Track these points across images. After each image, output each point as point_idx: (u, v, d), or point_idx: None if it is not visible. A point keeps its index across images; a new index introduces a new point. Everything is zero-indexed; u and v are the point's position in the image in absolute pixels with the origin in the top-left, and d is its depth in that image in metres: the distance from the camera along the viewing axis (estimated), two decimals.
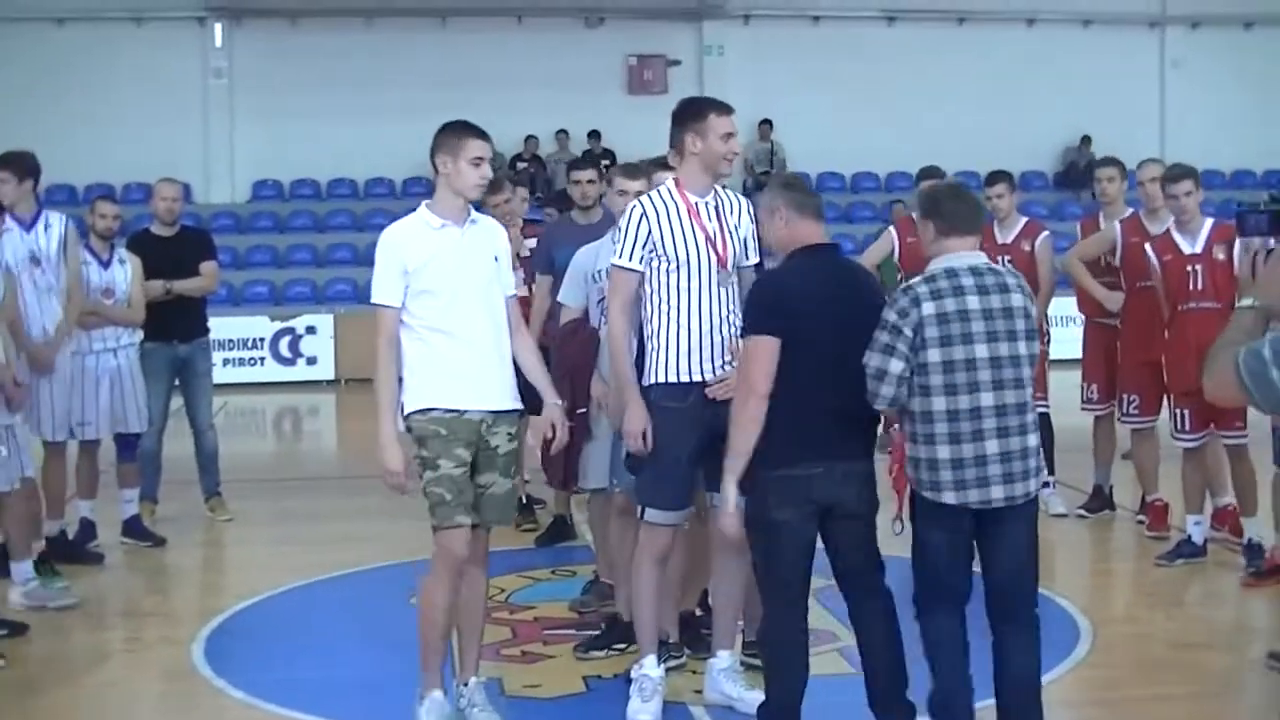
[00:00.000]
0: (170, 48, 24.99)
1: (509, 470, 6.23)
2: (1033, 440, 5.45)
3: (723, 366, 6.14)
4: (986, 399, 5.34)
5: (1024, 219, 10.44)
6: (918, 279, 5.47)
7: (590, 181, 9.01)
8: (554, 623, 7.83)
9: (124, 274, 9.77)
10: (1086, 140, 25.94)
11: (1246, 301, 3.77)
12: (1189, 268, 8.64)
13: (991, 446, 5.34)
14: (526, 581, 8.80)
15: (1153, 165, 9.78)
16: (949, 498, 5.38)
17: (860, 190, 26.31)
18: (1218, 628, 8.03)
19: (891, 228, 11.27)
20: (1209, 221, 8.84)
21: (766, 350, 5.53)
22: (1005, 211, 10.23)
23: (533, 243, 9.67)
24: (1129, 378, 9.58)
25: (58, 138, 20.59)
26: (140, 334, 9.98)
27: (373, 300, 6.05)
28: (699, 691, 6.59)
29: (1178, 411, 8.88)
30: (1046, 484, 10.34)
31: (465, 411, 6.01)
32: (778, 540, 5.61)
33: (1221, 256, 8.64)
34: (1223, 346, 3.68)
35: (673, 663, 6.73)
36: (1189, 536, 8.95)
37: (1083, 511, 10.27)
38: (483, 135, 6.24)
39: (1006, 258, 10.13)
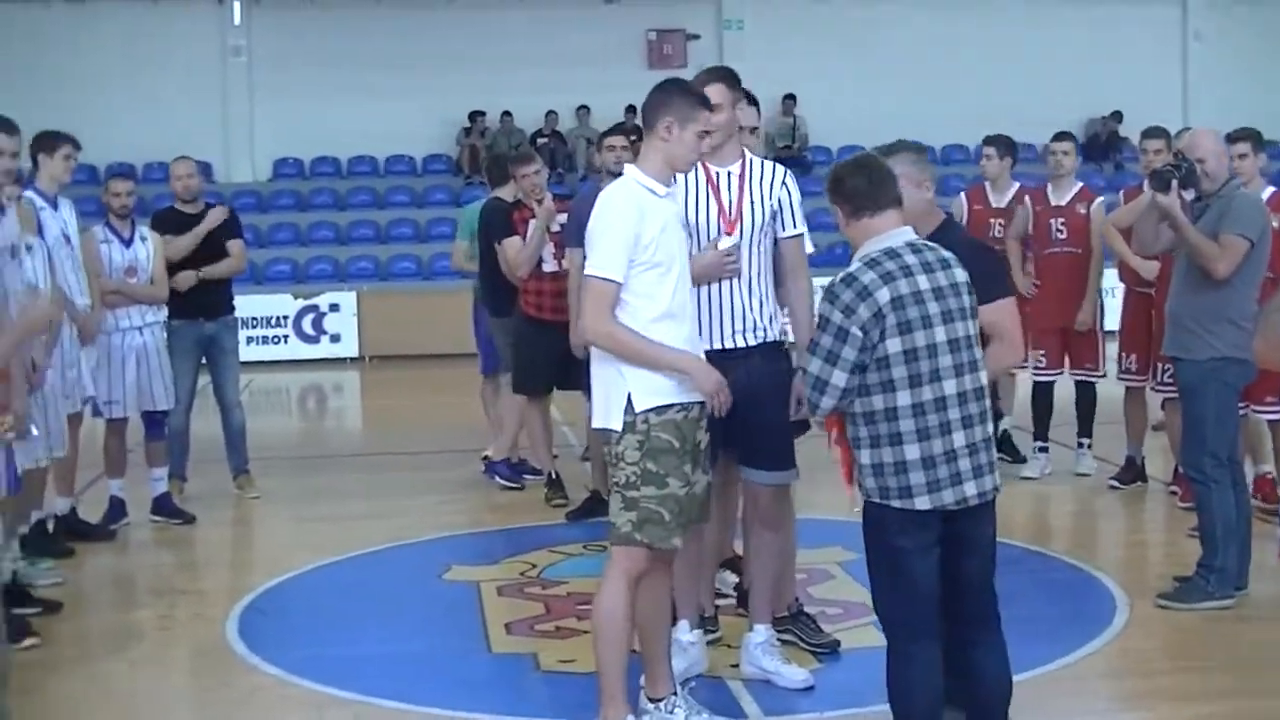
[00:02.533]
0: (189, 26, 24.94)
1: (708, 465, 5.75)
2: (991, 428, 5.05)
3: (734, 335, 6.13)
4: (950, 387, 4.89)
5: (1079, 183, 10.65)
6: (856, 265, 4.97)
7: (624, 148, 8.95)
8: (587, 598, 7.73)
9: (146, 251, 9.74)
10: (1117, 115, 25.78)
11: None
12: None
13: (959, 439, 4.89)
14: (559, 557, 8.77)
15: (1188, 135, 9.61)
16: (923, 503, 4.87)
17: None
18: (1253, 599, 7.95)
19: (962, 195, 11.40)
20: (1270, 189, 8.72)
21: None
22: (1068, 169, 10.54)
23: (563, 217, 9.63)
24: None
25: (78, 118, 20.36)
26: (165, 311, 9.94)
27: (595, 273, 5.39)
28: (735, 665, 6.56)
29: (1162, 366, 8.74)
30: (1080, 444, 10.56)
31: (692, 407, 5.52)
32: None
33: (1276, 225, 8.39)
34: (1274, 310, 3.62)
35: (709, 636, 6.70)
36: None
37: (1115, 483, 10.23)
38: (709, 106, 5.70)
39: (1060, 220, 10.28)
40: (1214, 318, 7.37)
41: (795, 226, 6.33)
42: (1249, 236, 7.37)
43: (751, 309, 6.22)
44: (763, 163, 6.37)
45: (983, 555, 5.08)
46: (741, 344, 6.19)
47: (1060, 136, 10.79)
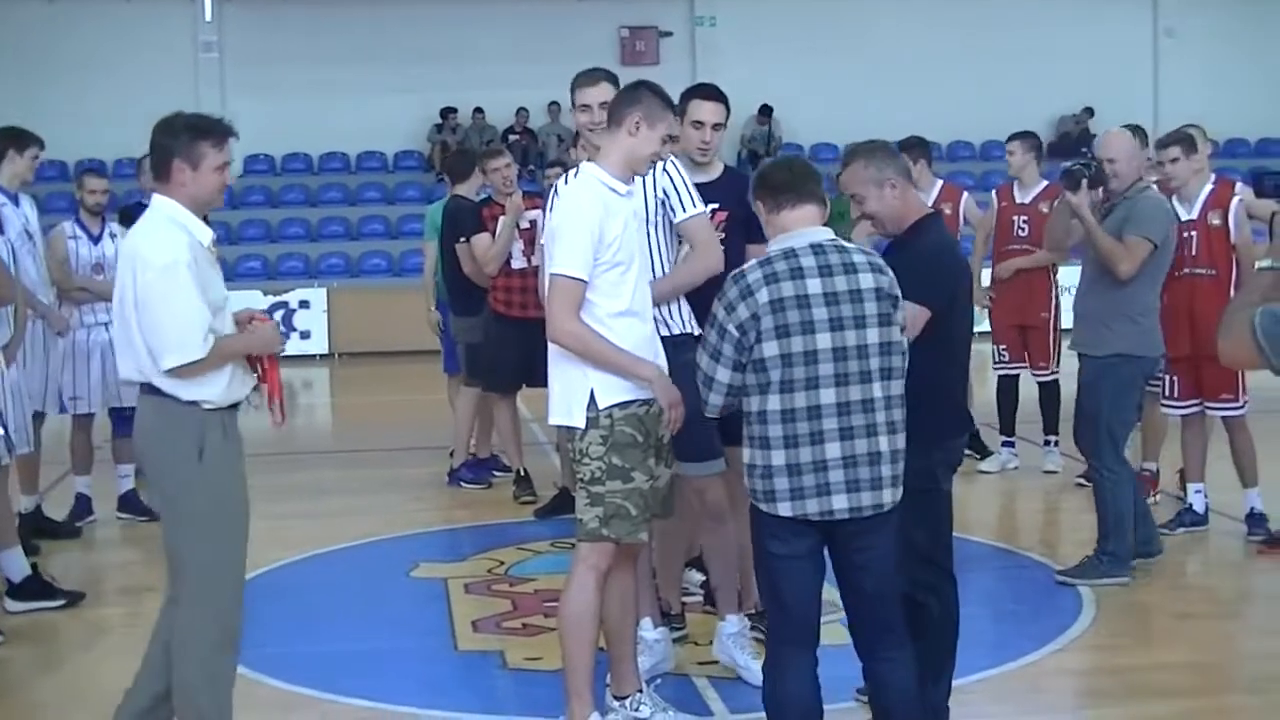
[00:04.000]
0: (160, 22, 24.86)
1: (670, 459, 5.72)
2: (885, 444, 4.76)
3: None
4: (827, 396, 4.69)
5: (1045, 181, 10.76)
6: (751, 263, 4.88)
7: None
8: (554, 595, 7.70)
9: (114, 249, 9.67)
10: (1089, 111, 25.90)
11: (1265, 263, 3.72)
12: (1184, 234, 8.51)
13: (833, 450, 4.69)
14: (526, 554, 8.77)
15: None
16: (784, 509, 4.74)
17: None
18: (1220, 596, 8.02)
19: (993, 191, 11.46)
20: (1205, 188, 8.74)
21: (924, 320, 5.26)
22: (1015, 168, 10.78)
23: (534, 214, 9.65)
24: None
25: (48, 113, 20.39)
26: None
27: (562, 271, 5.36)
28: (702, 663, 6.58)
29: (1168, 378, 8.78)
30: (1047, 442, 10.65)
31: (653, 402, 5.46)
32: (942, 507, 5.50)
33: (1216, 223, 8.62)
34: (1239, 308, 3.63)
35: (676, 634, 6.71)
36: (1190, 505, 8.92)
37: (1082, 480, 10.25)
38: (675, 110, 5.77)
39: (1023, 217, 10.41)
40: (1115, 315, 7.65)
41: (685, 209, 6.22)
42: (1153, 239, 7.61)
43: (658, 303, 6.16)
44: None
45: (871, 571, 4.87)
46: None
47: (1012, 136, 10.90)
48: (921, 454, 5.01)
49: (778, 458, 4.72)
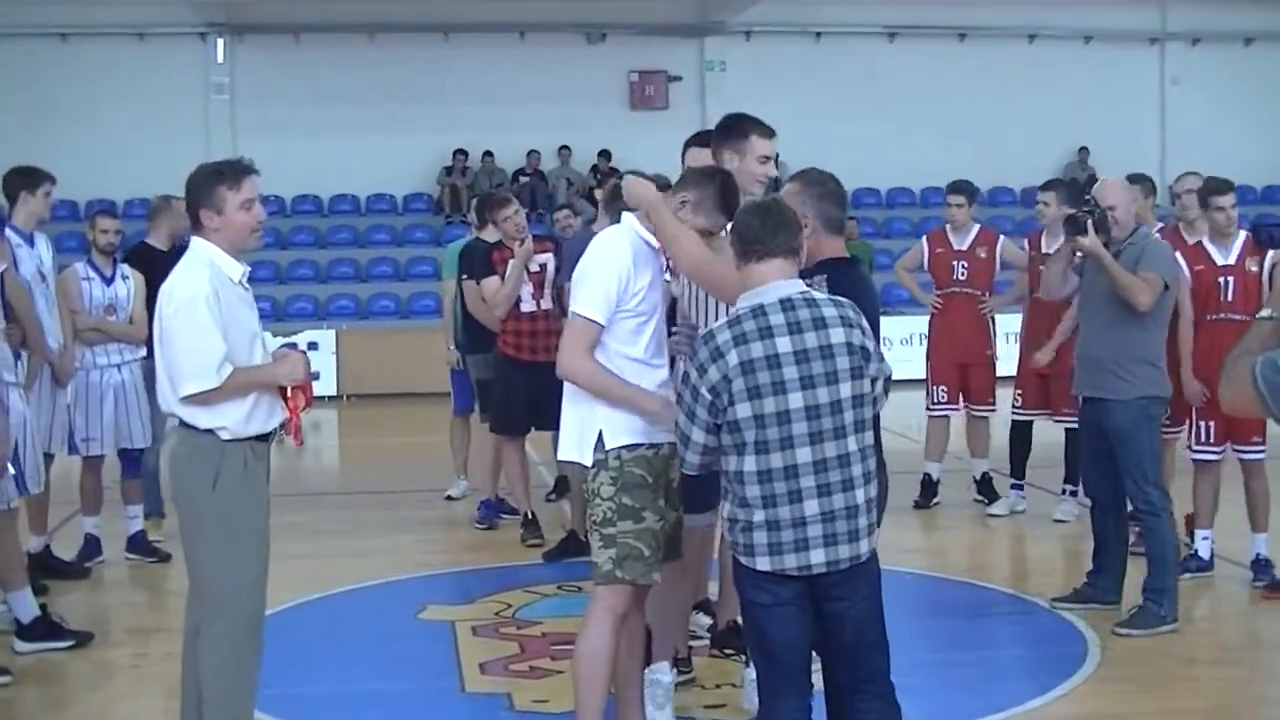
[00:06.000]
0: (172, 63, 24.97)
1: (678, 502, 5.76)
2: (860, 496, 4.76)
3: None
4: (803, 455, 4.68)
5: (977, 226, 11.30)
6: (720, 323, 4.86)
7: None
8: (561, 638, 7.78)
9: (127, 290, 9.74)
10: (1084, 151, 25.99)
11: (1266, 313, 3.75)
12: (1218, 279, 8.68)
13: (811, 508, 4.69)
14: (533, 597, 8.77)
15: (1191, 178, 9.55)
16: (763, 564, 4.74)
17: (861, 206, 26.25)
18: (1226, 643, 8.02)
19: (924, 238, 11.65)
20: (1243, 234, 8.84)
21: None
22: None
23: (544, 258, 9.79)
24: None
25: (60, 153, 20.41)
26: (144, 350, 9.92)
27: (582, 312, 5.44)
28: (708, 706, 6.59)
29: (1201, 424, 8.78)
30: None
31: (662, 445, 5.51)
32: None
33: (1254, 269, 8.70)
34: (1240, 356, 3.65)
35: (682, 677, 6.71)
36: (1196, 551, 8.93)
37: (1061, 519, 10.45)
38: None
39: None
40: (1134, 359, 7.81)
41: None
42: (1164, 279, 7.80)
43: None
44: None
45: (849, 621, 4.84)
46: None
47: (1046, 186, 10.91)
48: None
49: (757, 515, 4.74)
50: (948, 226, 11.33)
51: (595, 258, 5.53)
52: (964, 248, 11.15)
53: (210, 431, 5.45)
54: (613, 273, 5.44)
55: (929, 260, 11.29)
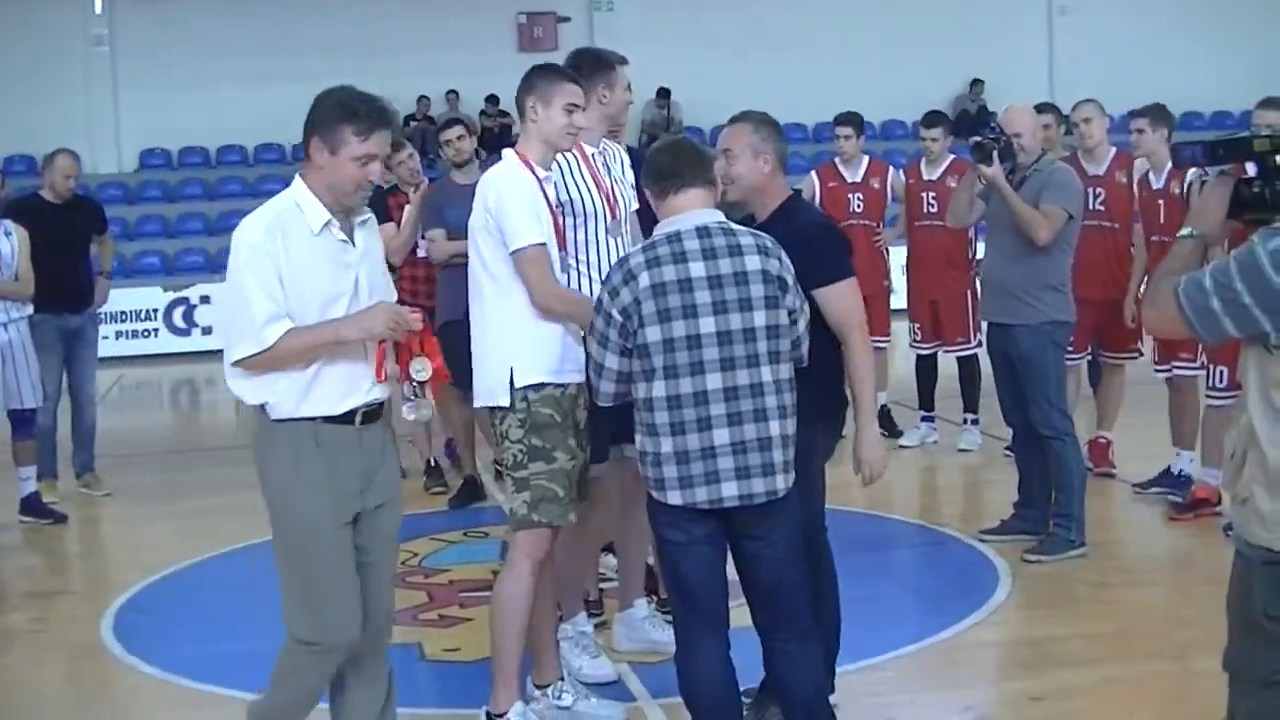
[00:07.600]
0: (50, 16, 24.36)
1: (586, 442, 5.61)
2: (775, 429, 4.69)
3: None
4: (713, 381, 4.61)
5: (868, 158, 11.24)
6: (635, 248, 4.85)
7: (460, 138, 9.70)
8: (470, 585, 7.73)
9: (10, 246, 9.49)
10: (978, 84, 26.09)
11: (1185, 231, 3.71)
12: (1088, 189, 8.82)
13: (720, 436, 4.62)
14: (439, 545, 8.68)
15: (1088, 105, 9.66)
16: (675, 498, 4.67)
17: None
18: (1137, 565, 8.06)
19: (813, 173, 11.41)
20: (1112, 150, 9.46)
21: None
22: (935, 154, 10.80)
23: None
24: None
25: None
26: (30, 307, 9.69)
27: (522, 244, 5.25)
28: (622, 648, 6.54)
29: (1215, 369, 8.34)
30: (965, 419, 10.72)
31: (568, 386, 5.41)
32: (819, 483, 5.49)
33: (1124, 181, 9.26)
34: (1163, 277, 3.62)
35: (594, 619, 6.66)
36: (1182, 471, 8.96)
37: (1009, 452, 10.35)
38: (575, 80, 5.57)
39: (932, 194, 10.71)
40: (1039, 285, 7.83)
41: (633, 203, 6.25)
42: (1068, 209, 7.81)
43: None
44: (611, 143, 6.34)
45: (765, 560, 4.81)
46: None
47: (930, 122, 10.85)
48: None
49: (665, 445, 4.66)
50: (837, 159, 11.24)
51: (499, 195, 5.38)
52: (857, 180, 11.08)
53: (261, 408, 4.68)
54: (522, 197, 5.34)
55: (822, 195, 11.12)
